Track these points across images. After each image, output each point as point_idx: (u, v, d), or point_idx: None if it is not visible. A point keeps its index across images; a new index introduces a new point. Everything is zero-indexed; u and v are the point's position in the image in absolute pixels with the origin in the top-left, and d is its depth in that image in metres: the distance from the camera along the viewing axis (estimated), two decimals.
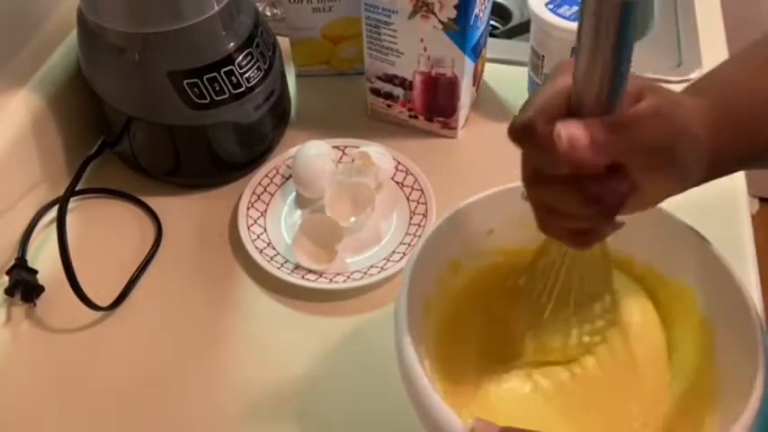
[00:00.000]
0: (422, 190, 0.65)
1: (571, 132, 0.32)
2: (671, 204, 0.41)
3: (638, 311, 0.46)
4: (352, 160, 0.66)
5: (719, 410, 0.40)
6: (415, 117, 0.72)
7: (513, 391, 0.45)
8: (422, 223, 0.63)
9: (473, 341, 0.48)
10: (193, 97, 0.61)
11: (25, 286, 0.59)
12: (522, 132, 0.34)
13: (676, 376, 0.45)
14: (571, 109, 0.34)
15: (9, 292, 0.59)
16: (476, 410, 0.44)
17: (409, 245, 0.61)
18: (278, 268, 0.60)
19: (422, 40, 0.65)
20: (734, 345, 0.41)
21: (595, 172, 0.34)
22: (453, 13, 0.62)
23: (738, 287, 0.41)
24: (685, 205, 0.43)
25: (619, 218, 0.36)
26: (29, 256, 0.62)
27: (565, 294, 0.43)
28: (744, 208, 0.64)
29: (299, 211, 0.66)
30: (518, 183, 0.39)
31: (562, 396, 0.45)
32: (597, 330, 0.45)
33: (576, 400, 0.45)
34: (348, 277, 0.59)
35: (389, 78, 0.69)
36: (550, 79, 0.35)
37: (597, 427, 0.44)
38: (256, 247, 0.61)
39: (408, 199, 0.66)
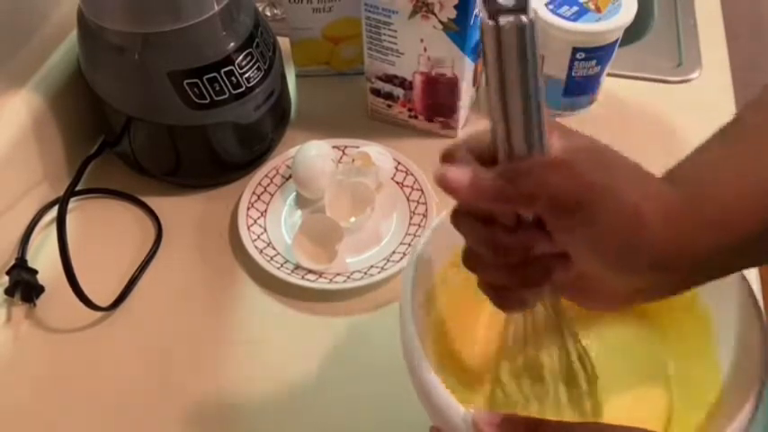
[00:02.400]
0: (422, 190, 0.65)
1: (454, 171, 0.31)
2: None
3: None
4: (352, 160, 0.66)
5: (720, 406, 0.40)
6: (415, 117, 0.72)
7: (514, 384, 0.45)
8: (422, 223, 0.63)
9: (476, 335, 0.48)
10: (193, 97, 0.61)
11: (25, 286, 0.59)
12: (442, 159, 0.33)
13: (678, 379, 0.45)
14: (490, 149, 0.32)
15: (9, 292, 0.59)
16: (478, 403, 0.44)
17: (409, 245, 0.61)
18: (278, 268, 0.60)
19: (422, 41, 0.65)
20: (734, 339, 0.41)
21: (510, 221, 0.33)
22: (453, 13, 0.62)
23: (745, 291, 0.41)
24: None
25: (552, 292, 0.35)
26: (29, 256, 0.62)
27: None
28: None
29: (299, 211, 0.66)
30: None
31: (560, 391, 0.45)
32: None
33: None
34: (348, 277, 0.59)
35: (389, 78, 0.69)
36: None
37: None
38: (256, 247, 0.61)
39: (408, 199, 0.66)
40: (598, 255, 0.32)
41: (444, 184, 0.31)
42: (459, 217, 0.34)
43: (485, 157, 0.32)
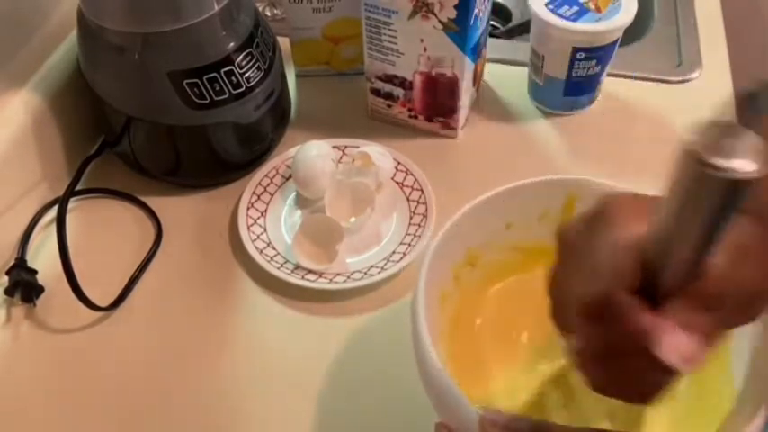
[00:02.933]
0: (422, 190, 0.65)
1: (675, 346, 0.27)
2: None
3: None
4: (353, 160, 0.66)
5: (733, 412, 0.40)
6: (415, 117, 0.72)
7: (525, 385, 0.45)
8: (422, 223, 0.63)
9: (488, 335, 0.48)
10: (193, 97, 0.61)
11: (25, 286, 0.59)
12: (602, 311, 0.29)
13: (688, 383, 0.45)
14: (648, 273, 0.29)
15: (9, 292, 0.59)
16: (487, 402, 0.44)
17: (409, 245, 0.61)
18: (278, 268, 0.60)
19: (422, 41, 0.65)
20: (749, 345, 0.41)
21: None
22: (453, 14, 0.62)
23: None
24: None
25: None
26: (29, 256, 0.62)
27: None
28: None
29: (299, 211, 0.66)
30: (538, 177, 0.38)
31: (571, 392, 0.45)
32: None
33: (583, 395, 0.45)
34: (348, 277, 0.59)
35: (389, 78, 0.69)
36: (604, 231, 0.30)
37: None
38: (256, 248, 0.61)
39: (408, 199, 0.66)
40: None
41: (686, 361, 0.27)
42: (602, 360, 0.30)
43: (632, 284, 0.29)
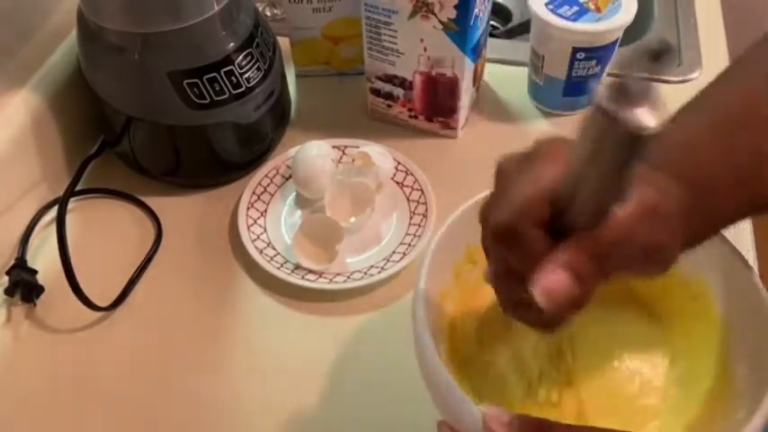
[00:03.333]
0: (422, 190, 0.65)
1: (550, 279, 0.29)
2: None
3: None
4: (353, 160, 0.66)
5: (733, 412, 0.40)
6: (415, 117, 0.72)
7: (527, 381, 0.45)
8: (422, 223, 0.63)
9: (489, 333, 0.48)
10: (193, 97, 0.61)
11: (25, 286, 0.59)
12: (507, 237, 0.32)
13: (688, 381, 0.45)
14: (556, 210, 0.31)
15: (9, 292, 0.59)
16: (490, 400, 0.44)
17: (409, 245, 0.61)
18: (278, 268, 0.60)
19: (422, 41, 0.65)
20: (749, 344, 0.41)
21: None
22: (453, 13, 0.62)
23: (756, 285, 0.41)
24: None
25: None
26: (29, 256, 0.62)
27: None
28: None
29: (299, 211, 0.66)
30: None
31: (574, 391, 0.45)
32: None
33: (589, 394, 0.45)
34: (348, 277, 0.59)
35: (389, 78, 0.69)
36: (528, 168, 0.32)
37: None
38: (256, 248, 0.61)
39: (408, 199, 0.66)
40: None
41: (552, 302, 0.29)
42: (506, 282, 0.33)
43: (542, 218, 0.31)
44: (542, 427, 0.34)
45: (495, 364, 0.46)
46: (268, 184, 0.67)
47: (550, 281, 0.29)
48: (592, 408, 0.44)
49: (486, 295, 0.49)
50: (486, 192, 0.47)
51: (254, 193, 0.66)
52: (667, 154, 0.33)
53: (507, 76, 0.78)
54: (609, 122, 0.25)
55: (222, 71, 0.61)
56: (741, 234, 0.61)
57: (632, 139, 0.25)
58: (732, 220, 0.36)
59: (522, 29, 0.97)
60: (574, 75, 0.69)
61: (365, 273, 0.60)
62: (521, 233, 0.31)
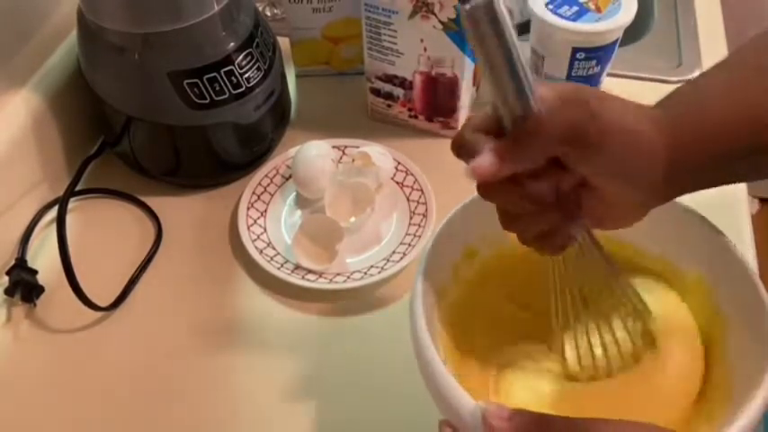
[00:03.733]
0: (422, 190, 0.65)
1: (479, 161, 0.34)
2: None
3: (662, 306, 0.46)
4: (353, 160, 0.66)
5: (729, 404, 0.40)
6: (415, 117, 0.72)
7: (526, 378, 0.45)
8: (422, 223, 0.63)
9: (487, 329, 0.48)
10: (193, 97, 0.61)
11: (25, 286, 0.59)
12: (456, 151, 0.37)
13: None
14: (498, 123, 0.36)
15: (9, 292, 0.59)
16: (488, 396, 0.44)
17: (409, 245, 0.61)
18: (278, 268, 0.60)
19: (422, 40, 0.65)
20: (745, 337, 0.41)
21: (533, 171, 0.36)
22: (453, 13, 0.62)
23: (752, 279, 0.41)
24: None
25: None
26: (29, 256, 0.62)
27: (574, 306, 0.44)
28: (744, 208, 0.64)
29: (299, 211, 0.66)
30: None
31: (577, 386, 0.45)
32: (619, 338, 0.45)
33: (591, 390, 0.45)
34: (348, 277, 0.59)
35: (389, 78, 0.69)
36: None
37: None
38: (256, 248, 0.61)
39: (408, 199, 0.66)
40: (616, 176, 0.36)
41: (477, 177, 0.34)
42: (487, 189, 0.37)
43: (489, 129, 0.36)
44: (542, 421, 0.35)
45: (494, 363, 0.46)
46: (268, 184, 0.67)
47: (477, 161, 0.34)
48: (592, 408, 0.44)
49: (486, 294, 0.49)
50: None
51: (254, 193, 0.66)
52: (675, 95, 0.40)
53: None
54: (467, 20, 0.31)
55: (222, 71, 0.61)
56: (741, 234, 0.61)
57: (473, 16, 0.31)
58: (725, 157, 0.38)
59: (522, 29, 0.97)
60: (574, 75, 0.69)
61: (365, 273, 0.60)
62: (465, 137, 0.36)
